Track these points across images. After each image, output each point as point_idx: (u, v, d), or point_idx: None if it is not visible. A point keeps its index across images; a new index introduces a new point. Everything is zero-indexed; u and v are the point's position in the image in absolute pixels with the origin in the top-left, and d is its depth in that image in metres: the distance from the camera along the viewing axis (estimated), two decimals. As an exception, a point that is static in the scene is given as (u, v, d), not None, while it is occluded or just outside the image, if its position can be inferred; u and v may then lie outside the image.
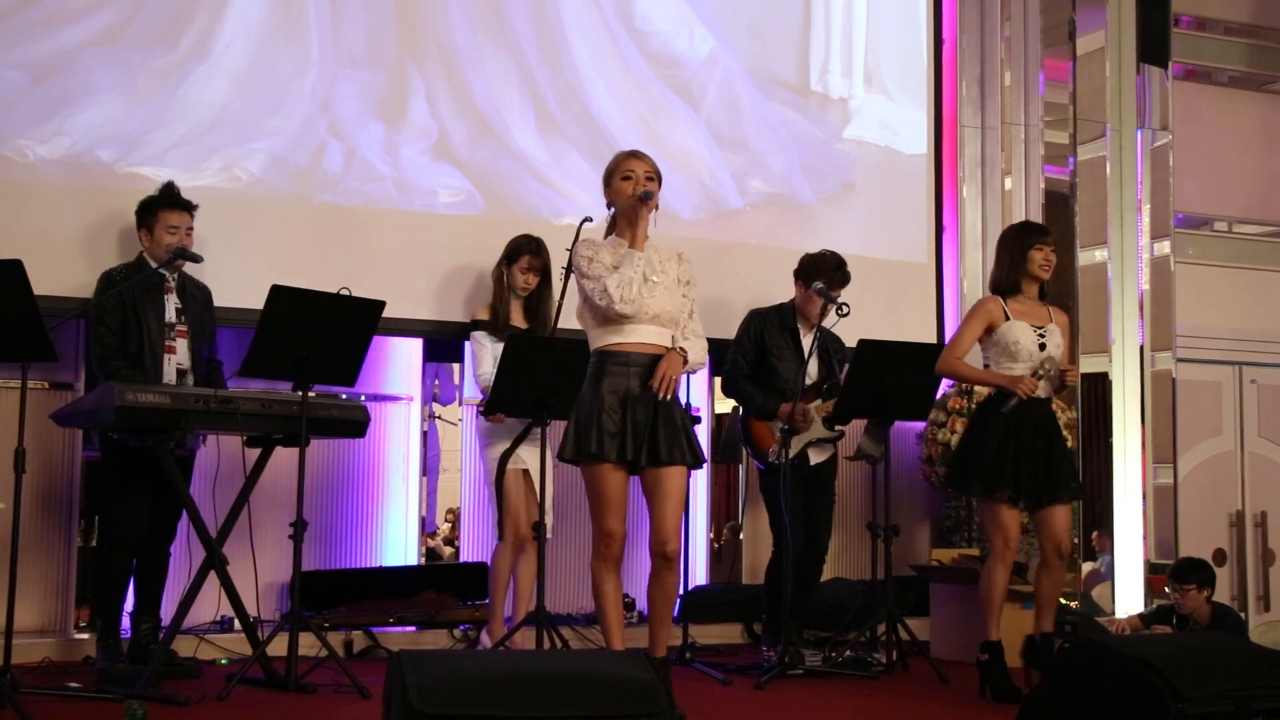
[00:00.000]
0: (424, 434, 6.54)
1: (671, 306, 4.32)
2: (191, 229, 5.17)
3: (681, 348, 4.34)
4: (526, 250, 5.65)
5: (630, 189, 4.32)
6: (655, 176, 4.38)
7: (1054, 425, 5.12)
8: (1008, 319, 5.04)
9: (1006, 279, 5.14)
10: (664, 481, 4.29)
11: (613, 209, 4.44)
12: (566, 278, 5.54)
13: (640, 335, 4.27)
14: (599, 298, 4.23)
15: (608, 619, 4.32)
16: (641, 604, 6.48)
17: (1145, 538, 6.93)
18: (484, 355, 5.61)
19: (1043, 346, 5.02)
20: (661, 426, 4.23)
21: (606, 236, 4.46)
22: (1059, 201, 7.35)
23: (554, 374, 4.97)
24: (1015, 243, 5.16)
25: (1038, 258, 5.09)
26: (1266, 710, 3.71)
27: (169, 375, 5.00)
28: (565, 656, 4.14)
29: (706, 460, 4.44)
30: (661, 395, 4.25)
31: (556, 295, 5.63)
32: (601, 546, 4.27)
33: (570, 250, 5.49)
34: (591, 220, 5.63)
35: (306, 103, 5.96)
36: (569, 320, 5.74)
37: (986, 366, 5.15)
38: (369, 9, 6.11)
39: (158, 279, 5.06)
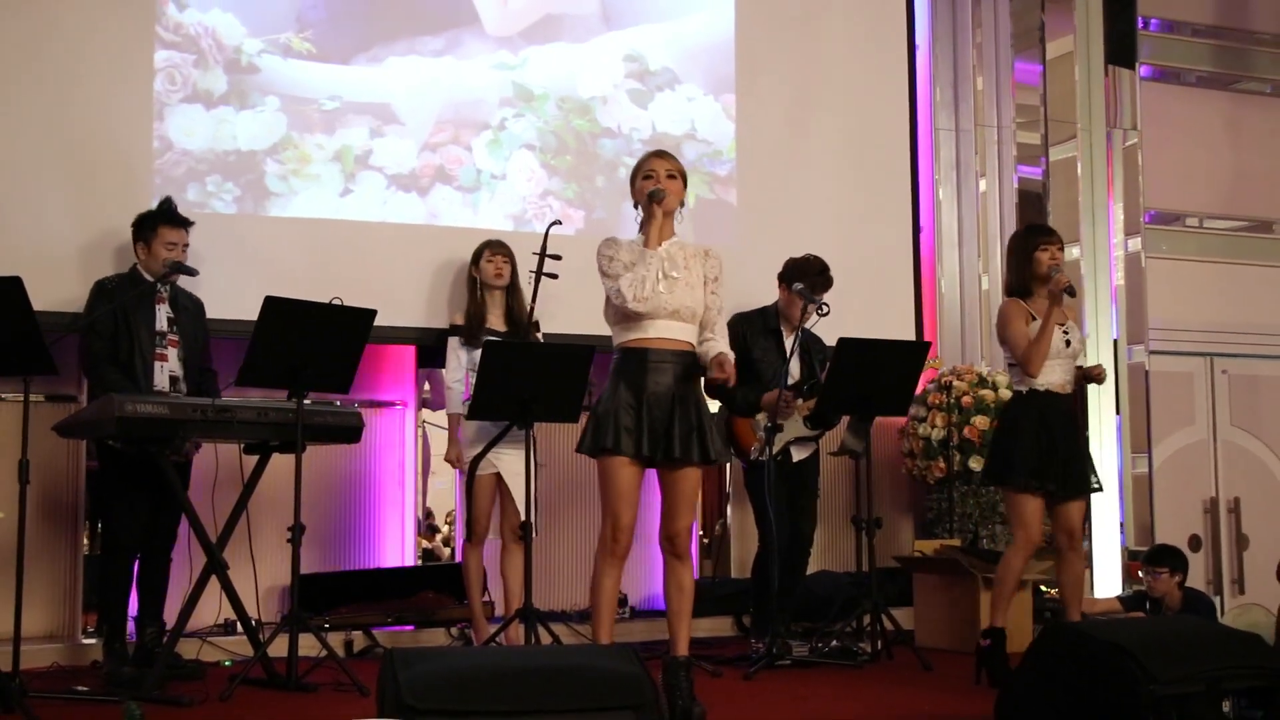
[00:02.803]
0: (419, 437, 6.65)
1: (693, 302, 4.28)
2: (188, 245, 5.28)
3: (721, 352, 4.30)
4: (487, 246, 5.77)
5: (649, 188, 4.32)
6: (677, 175, 4.36)
7: (1075, 420, 5.24)
8: (1033, 319, 5.15)
9: (1017, 282, 5.24)
10: (678, 479, 4.29)
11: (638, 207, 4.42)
12: (537, 281, 5.65)
13: (659, 330, 4.25)
14: (614, 297, 4.24)
15: (600, 614, 4.29)
16: (633, 600, 6.64)
17: (1123, 525, 7.08)
18: (451, 360, 5.69)
19: (1068, 344, 5.14)
20: (678, 424, 4.22)
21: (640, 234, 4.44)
22: (1033, 201, 7.51)
23: (533, 378, 5.02)
24: (1021, 246, 5.27)
25: (1044, 258, 5.17)
26: (1235, 690, 3.82)
27: (160, 382, 5.07)
28: (554, 651, 4.17)
29: (719, 458, 4.38)
30: (726, 380, 4.23)
31: (527, 299, 5.71)
32: (609, 540, 4.25)
33: (538, 254, 5.62)
34: (560, 223, 5.73)
35: (299, 119, 6.10)
36: (546, 324, 5.89)
37: (1011, 366, 5.27)
38: (353, 23, 6.25)
39: (150, 290, 5.15)
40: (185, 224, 5.30)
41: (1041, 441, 5.08)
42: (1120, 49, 7.37)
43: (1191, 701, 3.72)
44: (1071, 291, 5.06)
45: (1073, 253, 7.28)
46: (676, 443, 4.22)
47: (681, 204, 4.41)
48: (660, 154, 4.44)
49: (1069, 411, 5.20)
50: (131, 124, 5.80)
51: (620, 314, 4.29)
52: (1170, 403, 7.18)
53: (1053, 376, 5.15)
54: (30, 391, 4.56)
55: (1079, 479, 5.15)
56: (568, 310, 6.05)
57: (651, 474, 4.38)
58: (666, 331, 4.27)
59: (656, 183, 4.32)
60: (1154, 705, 3.63)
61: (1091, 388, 6.87)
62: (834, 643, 5.69)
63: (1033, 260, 5.20)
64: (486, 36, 6.48)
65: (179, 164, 5.88)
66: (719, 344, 4.37)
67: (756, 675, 5.21)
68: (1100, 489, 5.28)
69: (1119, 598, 6.23)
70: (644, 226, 4.37)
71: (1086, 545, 6.89)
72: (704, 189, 6.86)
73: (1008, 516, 5.48)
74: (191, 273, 5.20)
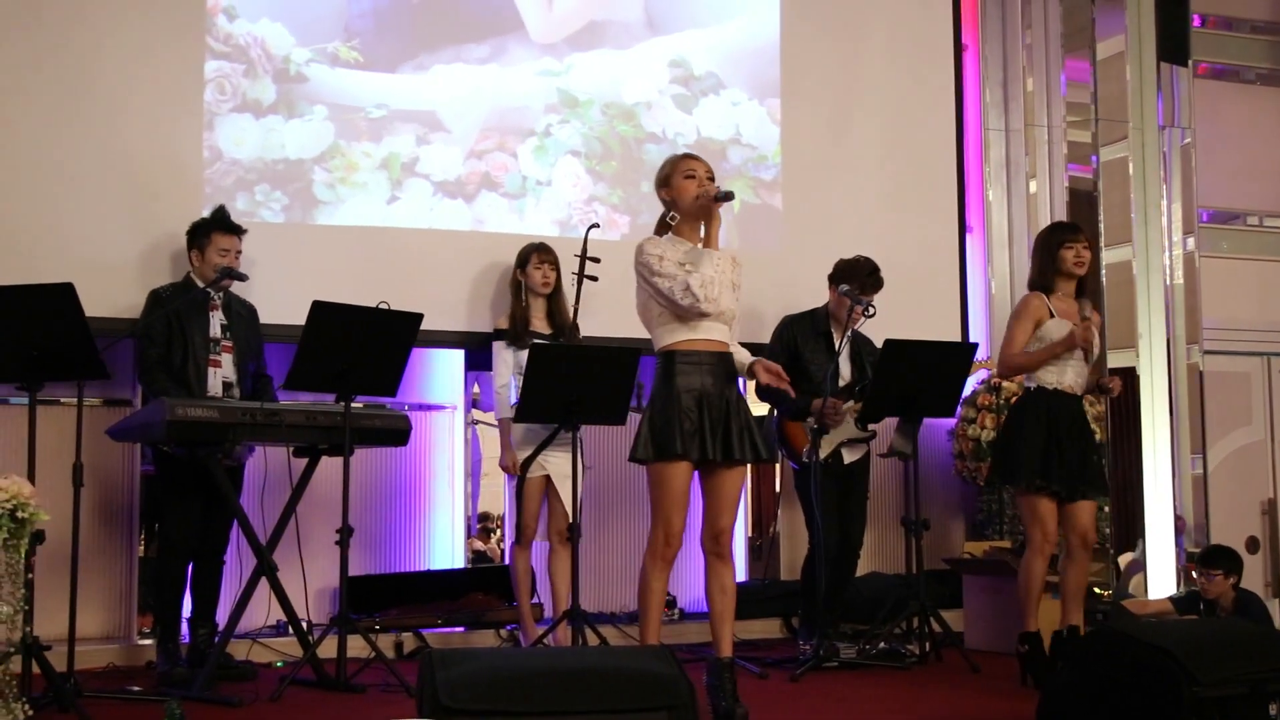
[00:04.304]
0: (468, 440, 6.72)
1: (731, 304, 4.33)
2: (240, 252, 5.38)
3: (760, 359, 4.38)
4: (534, 250, 5.82)
5: (694, 188, 4.30)
6: (713, 178, 4.40)
7: (1085, 421, 5.26)
8: (1052, 316, 5.17)
9: (1040, 278, 5.25)
10: (726, 479, 4.32)
11: (669, 210, 4.41)
12: (579, 284, 5.69)
13: (710, 333, 4.28)
14: (680, 296, 4.19)
15: (649, 617, 4.30)
16: (683, 602, 6.66)
17: (1179, 526, 6.98)
18: (499, 364, 5.75)
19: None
20: (734, 424, 4.26)
21: (658, 235, 4.43)
22: (1083, 200, 7.42)
23: (580, 381, 5.05)
24: (1046, 243, 5.29)
25: (1069, 256, 5.19)
26: (1280, 693, 3.78)
27: (214, 388, 5.18)
28: (590, 653, 4.19)
29: (772, 456, 4.44)
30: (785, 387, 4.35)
31: (570, 300, 5.78)
32: (661, 544, 4.25)
33: (579, 257, 5.66)
34: (598, 226, 5.76)
35: (346, 127, 6.18)
36: (586, 326, 5.92)
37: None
38: (399, 32, 6.33)
39: (203, 297, 5.26)
40: (238, 231, 5.40)
41: (1049, 441, 5.08)
42: (1173, 47, 7.28)
43: (1235, 704, 3.67)
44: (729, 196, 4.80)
45: (1124, 253, 7.20)
46: (735, 442, 4.25)
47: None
48: (695, 156, 4.48)
49: (1078, 413, 5.21)
50: (182, 134, 5.90)
51: (670, 315, 4.28)
52: (1227, 403, 7.09)
53: (1064, 377, 5.18)
54: (85, 396, 4.65)
55: (1087, 480, 5.13)
56: (609, 311, 6.08)
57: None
58: (711, 333, 4.31)
59: (701, 184, 4.33)
60: (1196, 707, 3.59)
61: (1145, 385, 6.84)
62: (882, 645, 5.68)
63: (1057, 258, 5.21)
64: (531, 44, 6.53)
65: (228, 173, 5.98)
66: (740, 349, 4.43)
67: (803, 677, 5.22)
68: (1106, 493, 5.25)
69: (1171, 599, 6.15)
70: (690, 228, 4.36)
71: (1142, 546, 6.84)
72: (749, 194, 6.86)
73: (1020, 517, 5.48)
74: (241, 278, 5.30)
